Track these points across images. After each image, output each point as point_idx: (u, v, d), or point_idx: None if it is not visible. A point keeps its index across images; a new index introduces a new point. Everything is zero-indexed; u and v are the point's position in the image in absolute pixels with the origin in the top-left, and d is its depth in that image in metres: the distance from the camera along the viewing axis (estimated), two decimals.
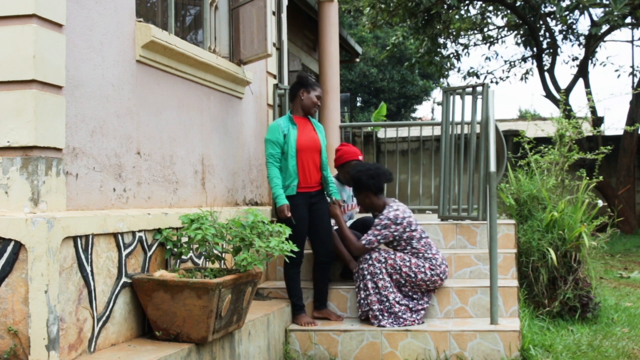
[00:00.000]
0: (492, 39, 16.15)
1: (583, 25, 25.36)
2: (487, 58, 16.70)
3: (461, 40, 15.95)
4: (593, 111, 13.01)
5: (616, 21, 11.90)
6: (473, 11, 15.53)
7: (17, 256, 3.03)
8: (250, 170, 5.73)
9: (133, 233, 3.74)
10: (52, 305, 3.05)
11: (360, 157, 5.56)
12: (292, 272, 5.00)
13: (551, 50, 15.12)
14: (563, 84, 16.31)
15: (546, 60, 15.29)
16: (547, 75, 14.89)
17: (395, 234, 4.98)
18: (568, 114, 7.92)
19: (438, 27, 14.50)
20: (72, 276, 3.23)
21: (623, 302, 6.63)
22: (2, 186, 3.13)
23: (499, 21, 36.33)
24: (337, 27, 8.29)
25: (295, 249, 4.17)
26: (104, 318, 3.49)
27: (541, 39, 15.03)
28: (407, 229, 4.99)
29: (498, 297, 4.86)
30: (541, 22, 14.55)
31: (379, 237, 4.98)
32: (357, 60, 14.48)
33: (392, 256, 4.97)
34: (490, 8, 15.27)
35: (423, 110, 43.77)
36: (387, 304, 4.88)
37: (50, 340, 3.04)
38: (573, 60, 15.81)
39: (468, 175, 5.84)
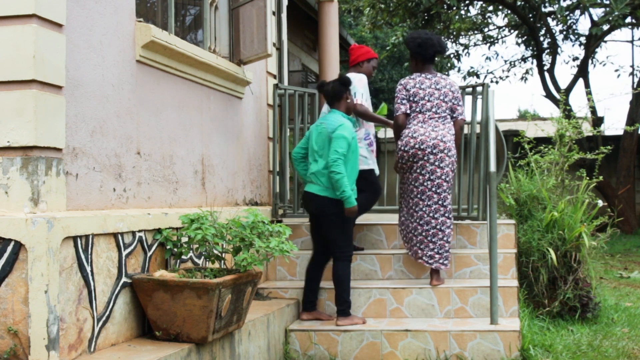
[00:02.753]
0: (492, 39, 16.14)
1: (583, 25, 25.38)
2: (487, 58, 16.71)
3: (461, 40, 15.95)
4: (593, 111, 13.00)
5: (616, 21, 11.90)
6: (473, 11, 15.53)
7: (17, 256, 3.03)
8: (251, 170, 5.73)
9: (133, 233, 3.74)
10: (52, 305, 3.05)
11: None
12: (349, 269, 4.93)
13: (551, 50, 15.12)
14: (563, 84, 16.31)
15: (546, 60, 15.29)
16: (547, 75, 14.89)
17: (402, 94, 5.23)
18: (568, 114, 7.92)
19: (438, 27, 14.49)
20: (72, 276, 3.23)
21: (623, 302, 6.62)
22: (2, 186, 3.13)
23: (499, 21, 36.35)
24: (337, 27, 8.29)
25: (296, 249, 4.20)
26: (104, 318, 3.49)
27: (541, 38, 15.03)
28: (412, 98, 5.20)
29: (498, 297, 4.86)
30: (541, 22, 14.54)
31: (398, 100, 5.26)
32: None
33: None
34: (491, 8, 15.26)
35: None
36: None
37: (50, 340, 3.04)
38: (573, 60, 15.81)
39: (468, 175, 5.84)
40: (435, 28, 14.41)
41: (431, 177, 5.10)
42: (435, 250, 5.13)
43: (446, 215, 5.16)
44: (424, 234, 5.15)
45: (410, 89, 5.20)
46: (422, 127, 5.12)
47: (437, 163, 5.08)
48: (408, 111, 5.19)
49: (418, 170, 5.12)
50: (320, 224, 4.92)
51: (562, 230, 5.91)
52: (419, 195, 5.15)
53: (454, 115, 5.21)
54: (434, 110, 5.14)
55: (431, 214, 5.13)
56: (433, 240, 5.13)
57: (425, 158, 5.07)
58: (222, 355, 3.95)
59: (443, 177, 5.11)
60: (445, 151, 5.08)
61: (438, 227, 5.13)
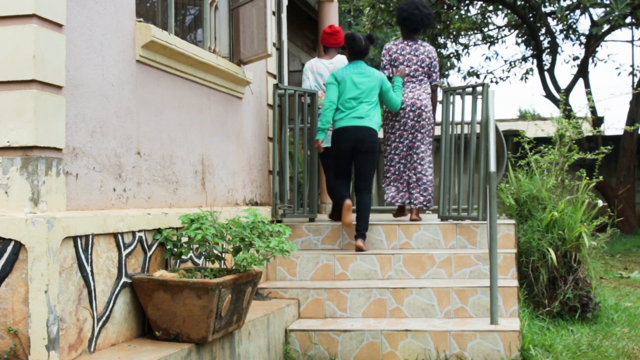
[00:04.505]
0: (492, 39, 16.13)
1: (583, 25, 25.34)
2: (487, 58, 16.68)
3: (461, 40, 15.93)
4: (593, 111, 13.00)
5: (617, 21, 11.90)
6: (473, 11, 15.51)
7: (17, 256, 3.03)
8: (251, 170, 5.74)
9: (133, 233, 3.74)
10: (52, 305, 3.05)
11: None
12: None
13: (551, 50, 15.11)
14: (563, 84, 16.30)
15: (546, 60, 15.27)
16: (547, 75, 14.87)
17: (386, 59, 6.08)
18: (568, 114, 7.92)
19: (438, 27, 14.48)
20: (72, 276, 3.23)
21: (623, 302, 6.62)
22: (2, 186, 3.13)
23: (499, 21, 36.33)
24: None
25: (296, 249, 4.26)
26: (104, 318, 3.49)
27: (541, 38, 15.02)
28: (393, 63, 6.03)
29: (498, 297, 4.86)
30: (541, 22, 14.53)
31: (382, 65, 6.10)
32: None
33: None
34: (491, 8, 15.26)
35: None
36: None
37: (50, 340, 3.04)
38: (573, 60, 15.79)
39: (468, 175, 5.84)
40: (435, 28, 14.40)
41: (412, 132, 5.94)
42: (421, 193, 5.93)
43: (431, 165, 6.00)
44: (415, 178, 5.94)
45: (392, 54, 6.06)
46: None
47: (415, 119, 5.93)
48: (391, 75, 6.01)
49: (402, 128, 5.95)
50: (363, 156, 5.59)
51: (562, 230, 5.91)
52: (405, 150, 5.97)
53: (430, 80, 6.06)
54: (411, 74, 5.99)
55: (419, 161, 5.93)
56: (419, 184, 5.93)
57: (407, 116, 5.92)
58: (222, 355, 3.95)
59: (423, 130, 5.95)
60: (422, 107, 5.92)
61: (423, 172, 5.93)
